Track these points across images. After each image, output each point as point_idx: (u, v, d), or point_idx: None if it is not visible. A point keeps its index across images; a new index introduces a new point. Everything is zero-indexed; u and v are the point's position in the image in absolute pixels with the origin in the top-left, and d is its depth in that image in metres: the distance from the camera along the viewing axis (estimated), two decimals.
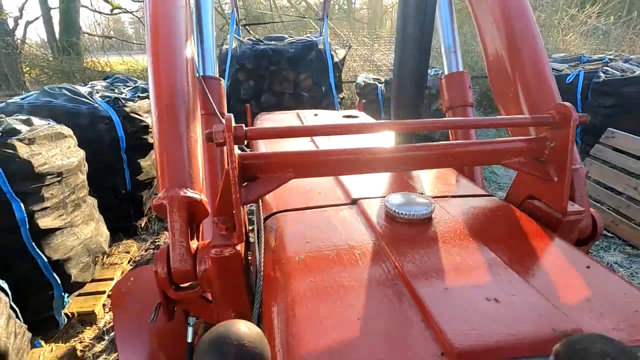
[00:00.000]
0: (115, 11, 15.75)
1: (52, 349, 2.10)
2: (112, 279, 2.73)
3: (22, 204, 2.07)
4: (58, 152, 2.37)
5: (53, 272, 2.23)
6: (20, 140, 2.11)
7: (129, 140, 3.24)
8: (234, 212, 0.75)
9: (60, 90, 3.12)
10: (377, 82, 6.32)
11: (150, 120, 3.62)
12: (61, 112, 2.88)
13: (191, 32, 1.12)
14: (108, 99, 3.25)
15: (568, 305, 0.61)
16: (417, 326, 0.57)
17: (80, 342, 2.27)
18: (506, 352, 0.51)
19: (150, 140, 3.59)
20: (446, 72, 1.60)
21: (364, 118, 2.31)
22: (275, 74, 4.86)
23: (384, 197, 0.95)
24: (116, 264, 2.93)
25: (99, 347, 2.27)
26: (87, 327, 2.38)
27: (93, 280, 2.66)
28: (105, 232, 2.82)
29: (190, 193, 0.80)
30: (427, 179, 1.20)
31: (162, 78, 0.96)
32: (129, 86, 4.10)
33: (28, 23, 10.44)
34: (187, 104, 0.94)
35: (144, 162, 3.47)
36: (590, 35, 11.15)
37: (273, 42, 5.25)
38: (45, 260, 2.18)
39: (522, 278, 0.66)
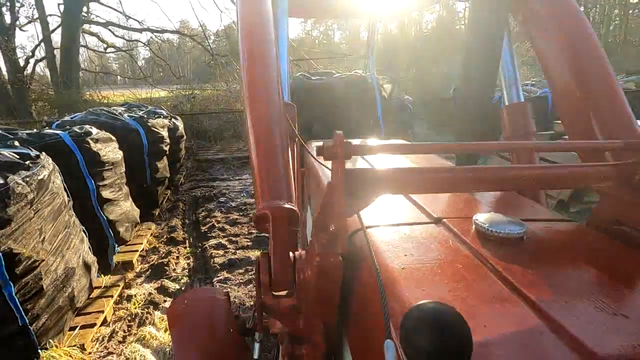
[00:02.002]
0: (109, 49, 17.10)
1: (109, 277, 3.14)
2: (141, 243, 3.79)
3: (92, 180, 3.17)
4: (110, 149, 3.50)
5: (109, 229, 3.30)
6: (92, 139, 3.25)
7: (150, 147, 4.39)
8: (330, 225, 0.76)
9: (101, 111, 4.28)
10: None
11: (164, 132, 4.79)
12: (104, 126, 4.02)
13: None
14: (135, 117, 4.42)
15: None
16: (548, 336, 0.55)
17: (125, 279, 3.30)
18: None
19: (164, 147, 4.75)
20: (507, 103, 1.62)
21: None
22: (326, 106, 5.07)
23: (466, 217, 0.96)
24: (142, 235, 3.99)
25: (138, 280, 3.31)
26: (129, 271, 3.41)
27: (128, 244, 3.71)
28: (137, 210, 3.90)
29: (288, 205, 0.85)
30: (497, 201, 1.17)
31: (258, 104, 1.06)
32: (142, 110, 5.30)
33: (37, 61, 11.59)
34: (280, 127, 1.02)
35: (160, 164, 4.61)
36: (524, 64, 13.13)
37: (323, 77, 5.56)
38: (105, 219, 3.26)
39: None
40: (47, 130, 3.18)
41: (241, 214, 4.83)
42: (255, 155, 0.96)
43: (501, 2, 1.18)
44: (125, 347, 2.42)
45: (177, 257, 3.74)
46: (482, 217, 0.88)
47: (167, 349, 2.39)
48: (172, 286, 3.20)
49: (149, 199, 4.48)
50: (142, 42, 17.24)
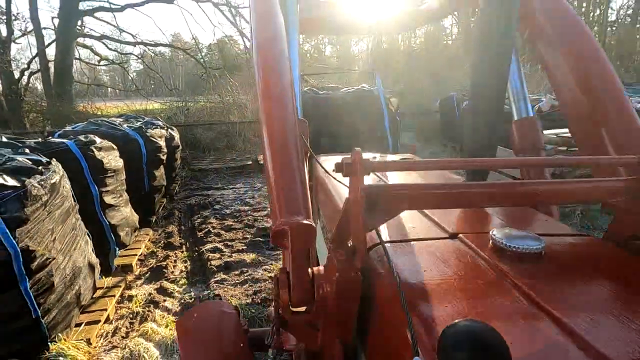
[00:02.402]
0: (102, 62, 17.29)
1: (110, 278, 3.29)
2: (140, 248, 3.94)
3: (96, 186, 3.34)
4: (112, 157, 3.69)
5: (111, 233, 3.46)
6: (96, 148, 3.43)
7: (148, 156, 4.57)
8: (348, 240, 0.76)
9: (101, 121, 4.47)
10: None
11: (162, 142, 4.99)
12: (105, 135, 4.20)
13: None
14: (134, 127, 4.62)
15: None
16: (575, 353, 0.55)
17: (125, 280, 3.44)
18: None
19: (162, 157, 4.94)
20: (516, 118, 1.63)
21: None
22: (333, 120, 5.19)
23: (482, 232, 0.95)
24: (141, 240, 4.14)
25: (138, 282, 3.45)
26: (129, 273, 3.55)
27: (128, 248, 3.86)
28: (136, 215, 4.07)
29: (306, 221, 0.85)
30: (510, 216, 1.17)
31: (274, 121, 1.07)
32: (140, 121, 5.49)
33: (31, 74, 11.71)
34: (296, 143, 1.02)
35: (157, 172, 4.79)
36: None
37: (330, 92, 5.64)
38: (107, 224, 3.42)
39: None
40: (54, 139, 3.35)
41: (236, 220, 5.01)
42: (272, 171, 0.96)
43: (508, 19, 1.18)
44: (129, 341, 2.57)
45: (175, 261, 3.89)
46: (499, 233, 0.87)
47: (169, 342, 2.55)
48: (171, 287, 3.36)
49: (146, 206, 4.63)
50: (135, 55, 17.46)
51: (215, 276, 3.50)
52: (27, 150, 2.79)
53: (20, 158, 2.49)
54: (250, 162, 8.28)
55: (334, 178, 1.22)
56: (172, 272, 3.66)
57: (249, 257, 3.86)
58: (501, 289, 0.72)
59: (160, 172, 4.92)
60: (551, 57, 1.35)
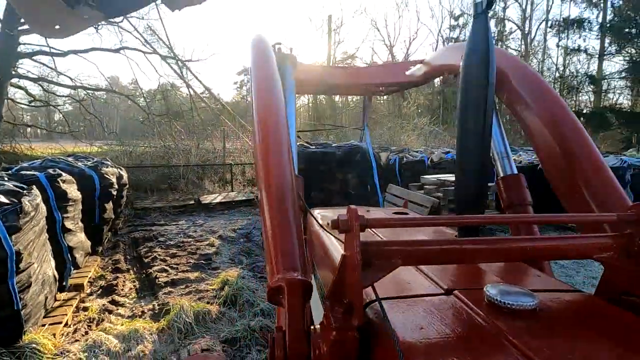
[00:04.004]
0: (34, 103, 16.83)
1: (65, 294, 3.75)
2: (90, 270, 4.40)
3: (59, 213, 3.89)
4: (73, 189, 4.27)
5: (68, 253, 3.95)
6: (61, 180, 4.03)
7: (101, 191, 5.14)
8: (345, 297, 0.76)
9: (59, 159, 5.00)
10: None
11: (114, 179, 5.58)
12: (63, 171, 4.73)
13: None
14: (90, 165, 5.20)
15: None
16: None
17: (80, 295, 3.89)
18: None
19: (113, 192, 5.49)
20: (501, 174, 1.69)
21: (413, 215, 2.40)
22: (324, 174, 5.31)
23: (476, 288, 0.96)
24: (90, 265, 4.59)
25: (91, 297, 3.92)
26: (80, 291, 4.00)
27: (80, 270, 4.30)
28: (89, 242, 4.55)
29: (303, 277, 0.86)
30: (502, 270, 1.18)
31: (272, 177, 1.11)
32: (90, 160, 6.03)
33: None
34: (293, 200, 1.05)
35: (107, 206, 5.32)
36: (420, 135, 16.43)
37: (320, 146, 5.96)
38: (66, 245, 3.93)
39: None
40: (25, 172, 3.90)
41: (180, 249, 5.61)
42: (269, 227, 0.98)
43: (486, 85, 1.26)
44: (91, 334, 3.10)
45: (124, 281, 4.40)
46: (494, 289, 0.87)
47: (126, 334, 3.13)
48: (123, 300, 3.89)
49: (95, 236, 5.08)
50: (73, 98, 17.32)
51: (163, 290, 4.11)
52: (6, 179, 3.37)
53: (7, 183, 3.10)
54: (192, 202, 8.88)
55: (330, 233, 1.25)
56: (122, 289, 4.18)
57: (193, 275, 4.53)
58: (498, 347, 0.72)
59: (110, 206, 5.44)
60: (529, 120, 1.44)
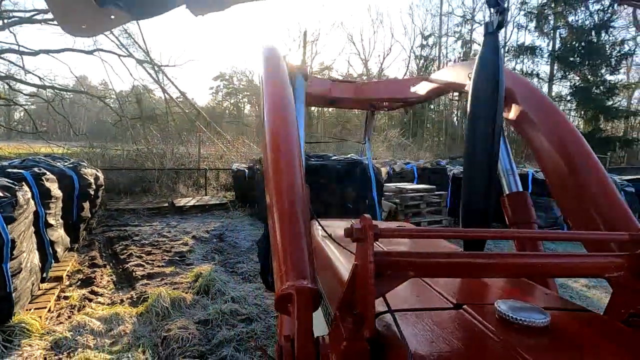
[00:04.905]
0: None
1: (46, 284, 4.02)
2: (68, 264, 4.66)
3: (42, 208, 4.18)
4: (55, 187, 4.55)
5: (50, 247, 4.23)
6: (45, 178, 4.32)
7: (80, 190, 5.40)
8: (356, 307, 0.76)
9: (39, 159, 5.24)
10: (245, 169, 9.57)
11: (92, 179, 5.84)
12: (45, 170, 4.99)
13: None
14: (70, 165, 5.46)
15: None
16: None
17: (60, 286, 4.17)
18: None
19: (91, 192, 5.75)
20: (507, 192, 1.72)
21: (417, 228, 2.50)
22: (323, 186, 5.31)
23: (485, 303, 0.97)
24: (68, 260, 4.84)
25: (70, 288, 4.21)
26: (60, 283, 4.27)
27: (59, 264, 4.56)
28: (68, 237, 4.82)
29: (312, 285, 0.85)
30: (509, 287, 1.17)
31: (283, 185, 1.12)
32: (67, 161, 6.26)
33: None
34: (303, 209, 1.06)
35: (85, 205, 5.57)
36: (391, 147, 17.38)
37: (320, 159, 5.99)
38: (48, 239, 4.21)
39: None
40: (11, 170, 4.17)
41: (154, 247, 5.92)
42: (279, 235, 0.99)
43: (493, 108, 1.30)
44: (75, 317, 3.43)
45: (102, 275, 4.70)
46: (504, 305, 0.87)
47: (108, 317, 3.48)
48: (102, 290, 4.20)
49: (73, 233, 5.32)
50: (42, 98, 16.93)
51: (140, 282, 4.45)
52: None
53: (1, 179, 3.41)
54: (166, 205, 9.12)
55: (338, 243, 1.25)
56: (100, 281, 4.48)
57: (168, 269, 4.89)
58: None
59: (87, 206, 5.69)
60: (535, 139, 1.45)
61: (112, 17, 1.54)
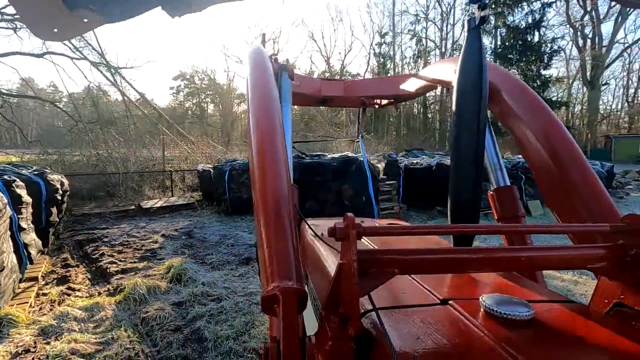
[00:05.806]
0: None
1: (24, 284, 4.31)
2: (42, 266, 4.92)
3: (15, 214, 4.43)
4: (24, 193, 4.79)
5: (24, 250, 4.49)
6: (16, 185, 4.56)
7: (47, 196, 5.61)
8: (339, 306, 0.76)
9: (4, 167, 5.39)
10: (210, 169, 9.91)
11: (59, 185, 6.03)
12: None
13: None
14: (36, 173, 5.65)
15: None
16: None
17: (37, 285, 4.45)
18: None
19: (58, 197, 5.95)
20: (494, 186, 1.73)
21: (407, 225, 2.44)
22: (320, 184, 5.42)
23: (471, 298, 0.97)
24: (41, 262, 5.09)
25: (48, 286, 4.50)
26: (36, 282, 4.55)
27: (32, 266, 4.81)
28: (40, 240, 5.06)
29: (297, 285, 0.84)
30: (496, 281, 1.18)
31: (268, 185, 1.12)
32: (30, 169, 6.40)
33: None
34: (289, 209, 1.05)
35: (53, 210, 5.78)
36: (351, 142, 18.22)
37: (316, 157, 6.02)
38: (22, 242, 4.47)
39: None
40: None
41: (125, 246, 6.23)
42: (264, 236, 0.98)
43: (478, 100, 1.31)
44: (57, 308, 3.78)
45: (77, 273, 5.00)
46: (489, 299, 0.88)
47: (88, 305, 3.86)
48: (78, 287, 4.54)
49: (43, 238, 5.53)
50: None
51: (115, 277, 4.81)
52: None
53: None
54: (133, 207, 9.29)
55: (325, 243, 1.25)
56: (76, 279, 4.79)
57: (140, 264, 5.27)
58: (495, 357, 0.73)
59: (55, 211, 5.89)
60: (520, 132, 1.47)
61: (85, 20, 1.52)
